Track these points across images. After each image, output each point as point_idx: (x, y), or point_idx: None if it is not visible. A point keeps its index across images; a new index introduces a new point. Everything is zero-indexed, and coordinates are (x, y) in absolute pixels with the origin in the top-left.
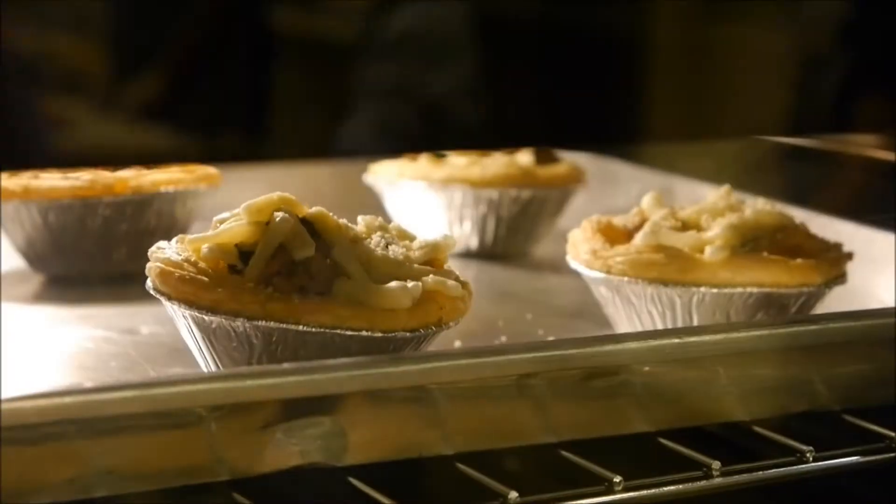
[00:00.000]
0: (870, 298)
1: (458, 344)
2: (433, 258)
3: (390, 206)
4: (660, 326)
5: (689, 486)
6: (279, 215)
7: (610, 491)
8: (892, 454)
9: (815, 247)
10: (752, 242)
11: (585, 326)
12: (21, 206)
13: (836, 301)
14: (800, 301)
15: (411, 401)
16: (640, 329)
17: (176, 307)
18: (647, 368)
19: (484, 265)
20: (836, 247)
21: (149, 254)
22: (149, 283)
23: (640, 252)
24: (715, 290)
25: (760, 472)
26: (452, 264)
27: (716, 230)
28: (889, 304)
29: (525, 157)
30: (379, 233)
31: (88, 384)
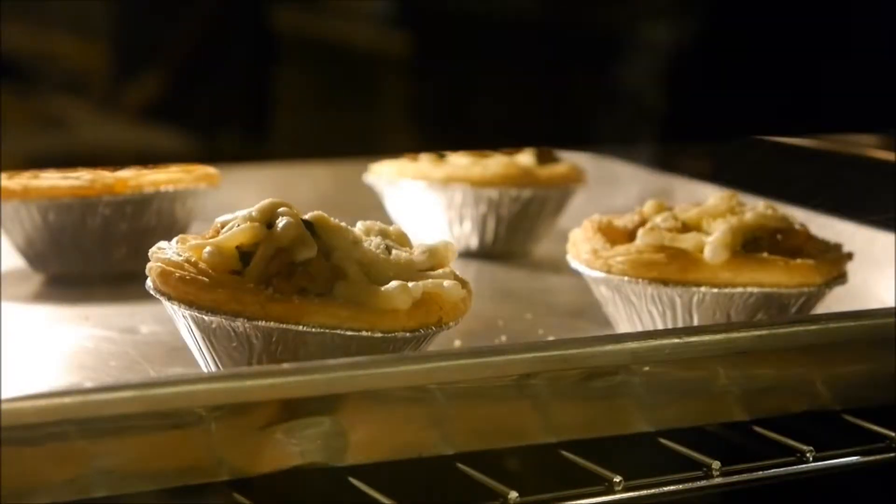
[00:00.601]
0: (870, 298)
1: (458, 344)
2: (433, 264)
3: (390, 205)
4: (660, 326)
5: (689, 485)
6: (282, 219)
7: (610, 491)
8: (892, 454)
9: (816, 248)
10: (752, 244)
11: (585, 326)
12: (21, 205)
13: (836, 301)
14: (800, 301)
15: (411, 401)
16: (640, 329)
17: (176, 307)
18: (647, 368)
19: (484, 265)
20: (836, 247)
21: (149, 254)
22: (149, 282)
23: (641, 252)
24: (715, 290)
25: (760, 472)
26: (452, 264)
27: (716, 232)
28: (889, 304)
29: (525, 157)
30: (379, 237)
31: (88, 384)
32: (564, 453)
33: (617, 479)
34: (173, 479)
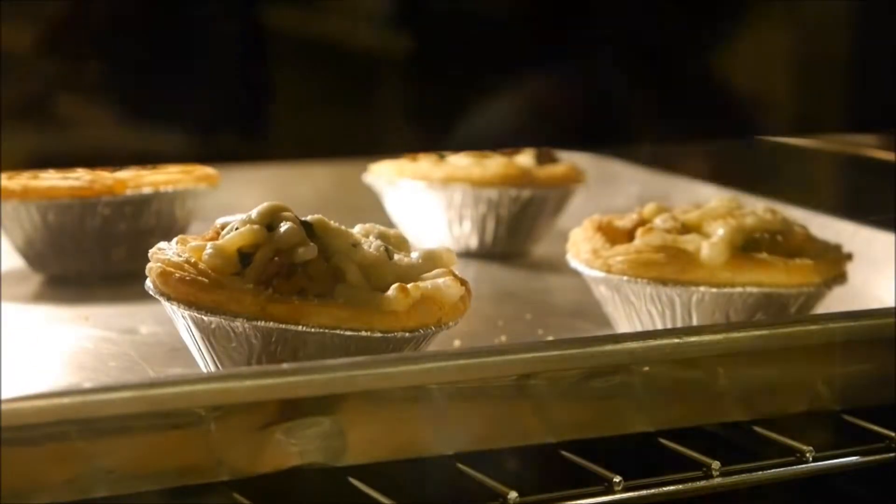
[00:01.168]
0: (870, 298)
1: (457, 344)
2: (433, 269)
3: (390, 205)
4: (659, 326)
5: (689, 486)
6: (284, 223)
7: (610, 491)
8: (892, 454)
9: (815, 248)
10: (752, 244)
11: (585, 326)
12: (20, 205)
13: (836, 301)
14: (800, 301)
15: (411, 401)
16: (639, 329)
17: (176, 308)
18: (647, 368)
19: (484, 265)
20: (836, 247)
21: (149, 254)
22: (148, 283)
23: (641, 251)
24: (714, 290)
25: (760, 472)
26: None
27: (716, 233)
28: (889, 304)
29: (525, 157)
30: (378, 240)
31: (87, 384)
32: (564, 453)
33: (617, 479)
34: (173, 479)
